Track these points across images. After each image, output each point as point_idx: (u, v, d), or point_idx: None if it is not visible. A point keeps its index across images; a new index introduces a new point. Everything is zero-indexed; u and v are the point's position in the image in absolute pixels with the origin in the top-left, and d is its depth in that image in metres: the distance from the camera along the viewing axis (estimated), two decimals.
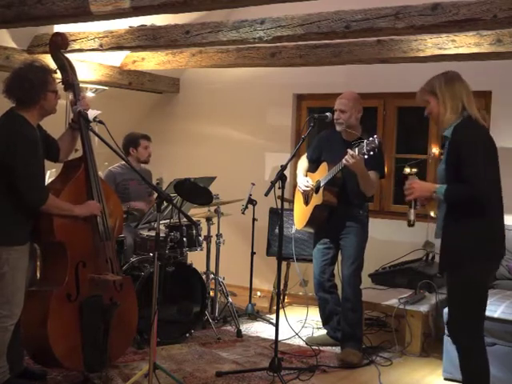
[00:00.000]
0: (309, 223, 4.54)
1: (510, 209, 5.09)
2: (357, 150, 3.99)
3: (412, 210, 3.24)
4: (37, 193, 3.44)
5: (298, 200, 4.70)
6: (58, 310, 3.50)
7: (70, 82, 3.79)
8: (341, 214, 4.39)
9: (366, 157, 3.96)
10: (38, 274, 3.80)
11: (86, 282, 3.62)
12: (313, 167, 4.62)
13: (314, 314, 5.02)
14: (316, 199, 4.44)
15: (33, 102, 3.45)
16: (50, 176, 4.79)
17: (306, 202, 4.58)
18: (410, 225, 3.24)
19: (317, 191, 4.45)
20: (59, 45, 3.85)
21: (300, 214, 4.68)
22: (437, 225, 3.24)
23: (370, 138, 3.93)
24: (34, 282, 3.69)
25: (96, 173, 3.76)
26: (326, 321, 4.71)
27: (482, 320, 3.17)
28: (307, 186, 4.50)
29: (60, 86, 3.73)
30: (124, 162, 4.92)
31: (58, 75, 3.79)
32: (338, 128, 4.41)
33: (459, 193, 3.05)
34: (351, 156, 3.99)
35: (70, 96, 3.85)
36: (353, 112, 4.36)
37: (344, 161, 4.06)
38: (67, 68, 3.80)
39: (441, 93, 3.15)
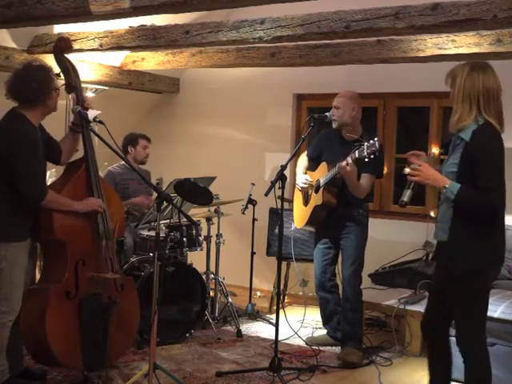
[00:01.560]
0: (309, 223, 4.55)
1: (510, 209, 5.14)
2: (357, 152, 3.98)
3: (409, 191, 3.08)
4: (36, 192, 3.46)
5: (298, 199, 4.70)
6: (57, 307, 3.51)
7: (73, 84, 3.84)
8: (341, 214, 4.39)
9: (366, 160, 3.93)
10: (39, 273, 3.81)
11: (85, 280, 3.63)
12: (313, 166, 4.61)
13: (314, 314, 5.02)
14: (316, 199, 4.44)
15: (39, 100, 3.49)
16: (50, 176, 4.79)
17: (306, 202, 4.58)
18: (402, 205, 3.09)
19: (316, 191, 4.45)
20: (62, 48, 3.91)
21: (300, 214, 4.68)
22: (437, 225, 3.12)
23: (371, 141, 3.90)
24: (34, 280, 3.70)
25: (97, 173, 3.78)
26: (326, 320, 4.71)
27: (485, 326, 3.09)
28: (305, 183, 4.51)
29: (61, 87, 3.76)
30: (124, 162, 4.93)
31: (60, 77, 3.84)
32: (333, 125, 4.43)
33: (474, 198, 2.89)
34: (346, 165, 4.02)
35: (70, 96, 3.89)
36: (346, 110, 4.36)
37: (338, 168, 4.11)
38: (70, 71, 3.86)
39: (457, 88, 2.96)
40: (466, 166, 2.92)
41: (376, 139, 3.92)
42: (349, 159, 4.04)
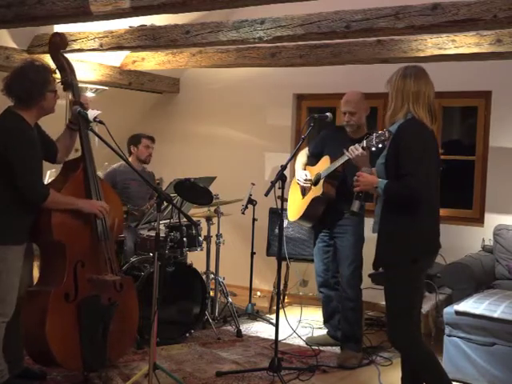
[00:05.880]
0: (304, 216, 4.48)
1: (509, 209, 5.15)
2: (365, 142, 3.86)
3: (357, 202, 3.28)
4: (37, 190, 3.42)
5: (294, 192, 4.67)
6: (57, 310, 3.50)
7: (69, 81, 3.78)
8: (338, 209, 4.36)
9: (373, 149, 3.78)
10: (36, 275, 3.79)
11: (84, 282, 3.61)
12: (313, 161, 4.60)
13: (314, 314, 5.02)
14: (315, 191, 4.41)
15: (33, 101, 3.43)
16: (50, 176, 4.79)
17: (303, 194, 4.56)
18: (353, 214, 3.31)
19: (315, 183, 4.43)
20: (58, 45, 3.84)
21: (295, 206, 4.63)
22: (374, 220, 3.25)
23: (380, 132, 3.80)
24: (31, 282, 3.69)
25: (95, 173, 3.74)
26: (327, 318, 4.71)
27: (415, 317, 3.16)
28: (306, 181, 4.48)
29: (59, 86, 3.73)
30: None
31: (57, 75, 3.78)
32: (348, 129, 4.40)
33: (397, 189, 3.08)
34: (355, 149, 3.84)
35: (70, 96, 3.87)
36: (362, 112, 4.38)
37: (348, 154, 3.77)
38: (66, 68, 3.80)
39: (391, 87, 3.19)
40: (392, 157, 3.13)
41: (385, 130, 3.83)
42: (357, 145, 3.87)
